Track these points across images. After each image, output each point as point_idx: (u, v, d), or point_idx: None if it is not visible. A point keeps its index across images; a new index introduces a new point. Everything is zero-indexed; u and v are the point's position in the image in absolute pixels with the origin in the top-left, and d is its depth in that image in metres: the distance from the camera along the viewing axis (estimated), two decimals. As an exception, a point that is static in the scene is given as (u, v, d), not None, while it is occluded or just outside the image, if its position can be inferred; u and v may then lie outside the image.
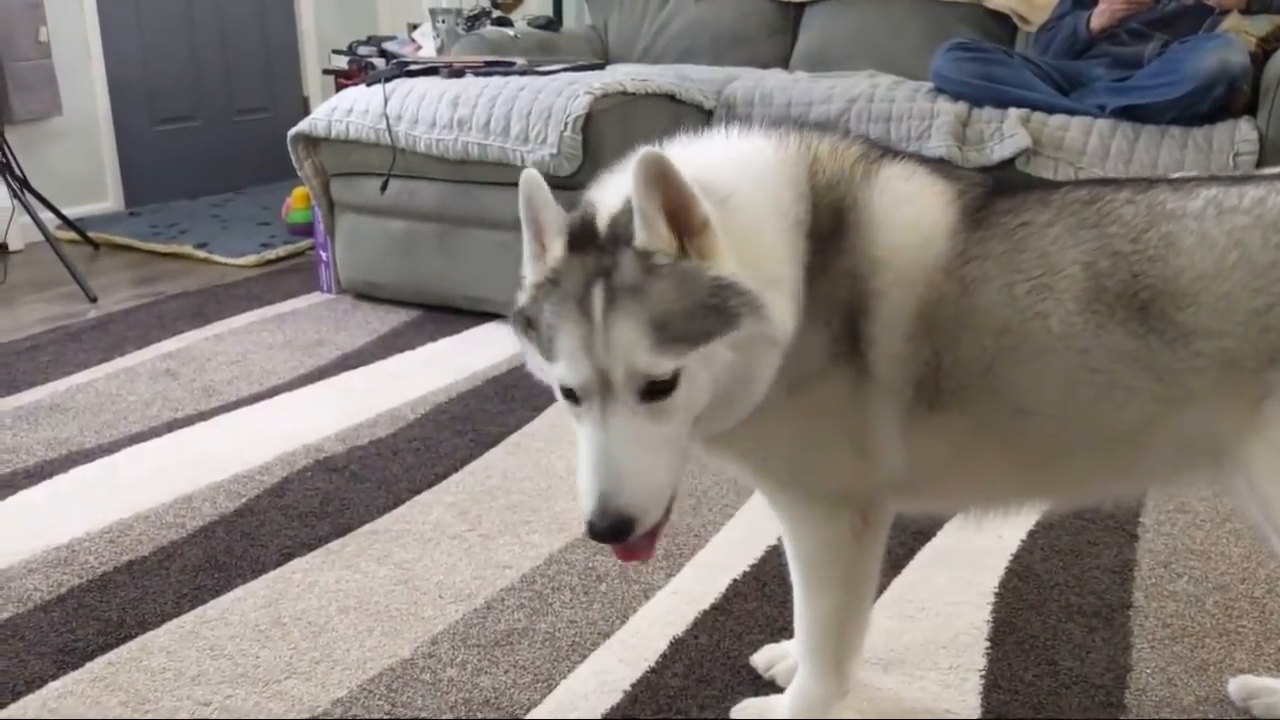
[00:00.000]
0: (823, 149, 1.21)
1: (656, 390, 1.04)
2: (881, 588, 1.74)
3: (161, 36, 4.88)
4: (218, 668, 1.58)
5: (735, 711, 1.45)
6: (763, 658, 1.55)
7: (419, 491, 2.12)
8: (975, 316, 1.14)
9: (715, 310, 1.05)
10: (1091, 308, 1.11)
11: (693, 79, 3.36)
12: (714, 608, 1.71)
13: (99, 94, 4.62)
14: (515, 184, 1.14)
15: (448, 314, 3.22)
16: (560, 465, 2.23)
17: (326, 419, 2.46)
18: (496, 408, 2.53)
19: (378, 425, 2.43)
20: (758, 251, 1.10)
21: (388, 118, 3.17)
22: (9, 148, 3.74)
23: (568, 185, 2.62)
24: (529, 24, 4.31)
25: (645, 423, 1.05)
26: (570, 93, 2.97)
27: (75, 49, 4.50)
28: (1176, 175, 1.24)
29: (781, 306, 1.09)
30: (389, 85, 3.26)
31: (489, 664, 1.58)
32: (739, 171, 1.17)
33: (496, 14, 4.58)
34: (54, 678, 1.56)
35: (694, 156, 1.16)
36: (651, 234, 1.05)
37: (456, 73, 3.30)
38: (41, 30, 4.28)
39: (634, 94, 3.08)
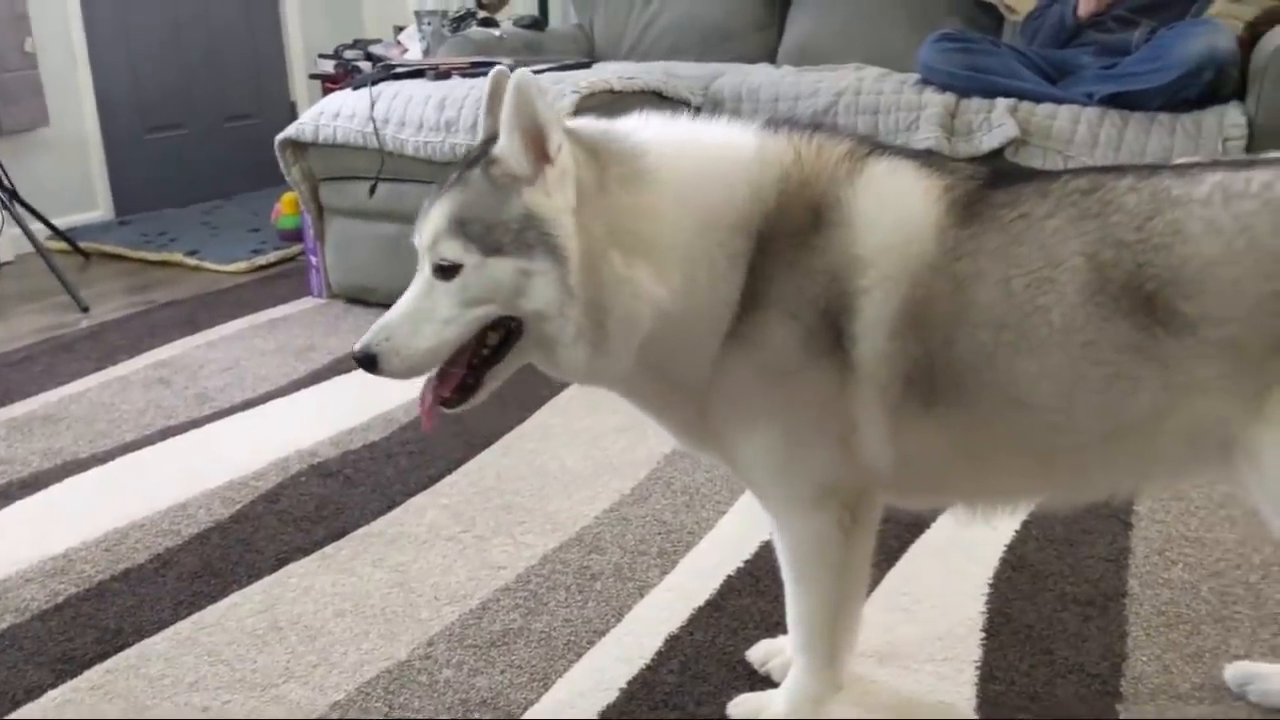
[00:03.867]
0: (808, 148, 1.22)
1: (445, 269, 1.17)
2: (875, 581, 1.74)
3: (149, 45, 4.87)
4: (215, 673, 1.58)
5: (731, 707, 1.46)
6: (758, 653, 1.56)
7: (413, 494, 2.13)
8: (970, 313, 1.14)
9: (514, 234, 1.15)
10: (1095, 300, 1.10)
11: (679, 75, 3.36)
12: (709, 604, 1.71)
13: (86, 104, 4.60)
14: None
15: (440, 316, 3.22)
16: (553, 465, 2.23)
17: (319, 424, 2.46)
18: (488, 408, 2.47)
19: (370, 429, 2.43)
20: (643, 220, 1.17)
21: (375, 121, 3.16)
22: (-3, 158, 3.73)
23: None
24: (514, 24, 4.31)
25: (426, 293, 1.19)
26: (556, 92, 2.97)
27: (62, 59, 4.48)
28: (1180, 161, 1.24)
29: (644, 277, 1.16)
30: (375, 88, 3.25)
31: (485, 664, 1.58)
32: (684, 154, 1.21)
33: (482, 15, 4.57)
34: (53, 686, 1.56)
35: (651, 129, 1.23)
36: (504, 144, 1.16)
37: (443, 75, 3.30)
38: (28, 41, 4.27)
39: (620, 92, 3.07)
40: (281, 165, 3.35)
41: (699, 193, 1.19)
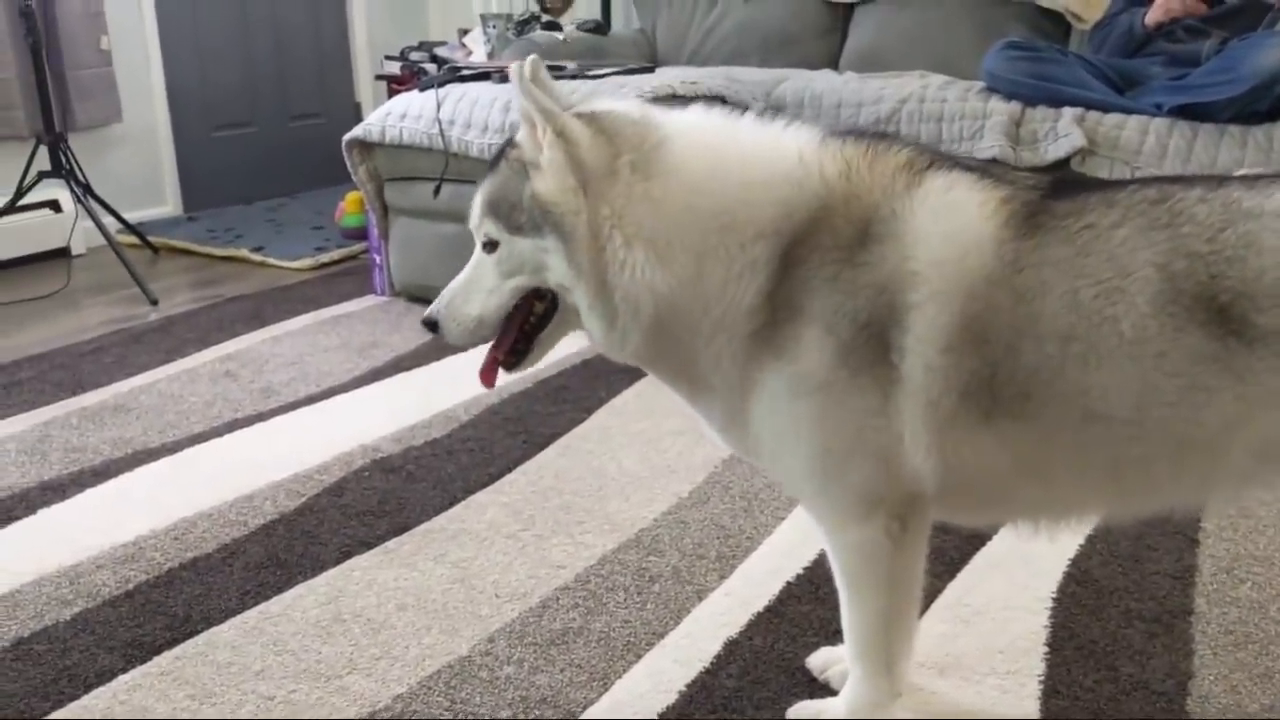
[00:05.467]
0: (861, 161, 1.21)
1: (488, 245, 1.30)
2: (936, 591, 1.73)
3: (219, 44, 4.97)
4: (281, 663, 1.61)
5: (791, 713, 1.46)
6: (818, 660, 1.55)
7: (473, 491, 2.15)
8: (1036, 325, 1.13)
9: (529, 214, 1.24)
10: (1167, 310, 1.09)
11: (742, 80, 3.36)
12: (768, 610, 1.71)
13: (158, 101, 4.72)
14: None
15: (499, 316, 3.25)
16: (611, 467, 2.24)
17: (382, 420, 2.50)
18: (548, 409, 2.55)
19: (432, 426, 2.46)
20: (648, 208, 1.20)
21: (440, 123, 3.21)
22: (72, 154, 3.83)
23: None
24: (578, 28, 4.34)
25: (477, 266, 1.31)
26: (619, 96, 2.98)
27: (135, 57, 4.60)
28: (1241, 172, 1.22)
29: (642, 261, 1.20)
30: (441, 90, 3.29)
31: (545, 662, 1.60)
32: (710, 153, 1.23)
33: (545, 18, 4.61)
34: (123, 671, 1.60)
35: (687, 123, 1.26)
36: (524, 131, 1.24)
37: (507, 77, 3.33)
38: (103, 39, 4.38)
39: (684, 96, 3.08)
40: (348, 164, 3.41)
41: (718, 194, 1.21)
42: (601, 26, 4.44)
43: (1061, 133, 2.81)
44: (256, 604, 1.76)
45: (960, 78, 3.21)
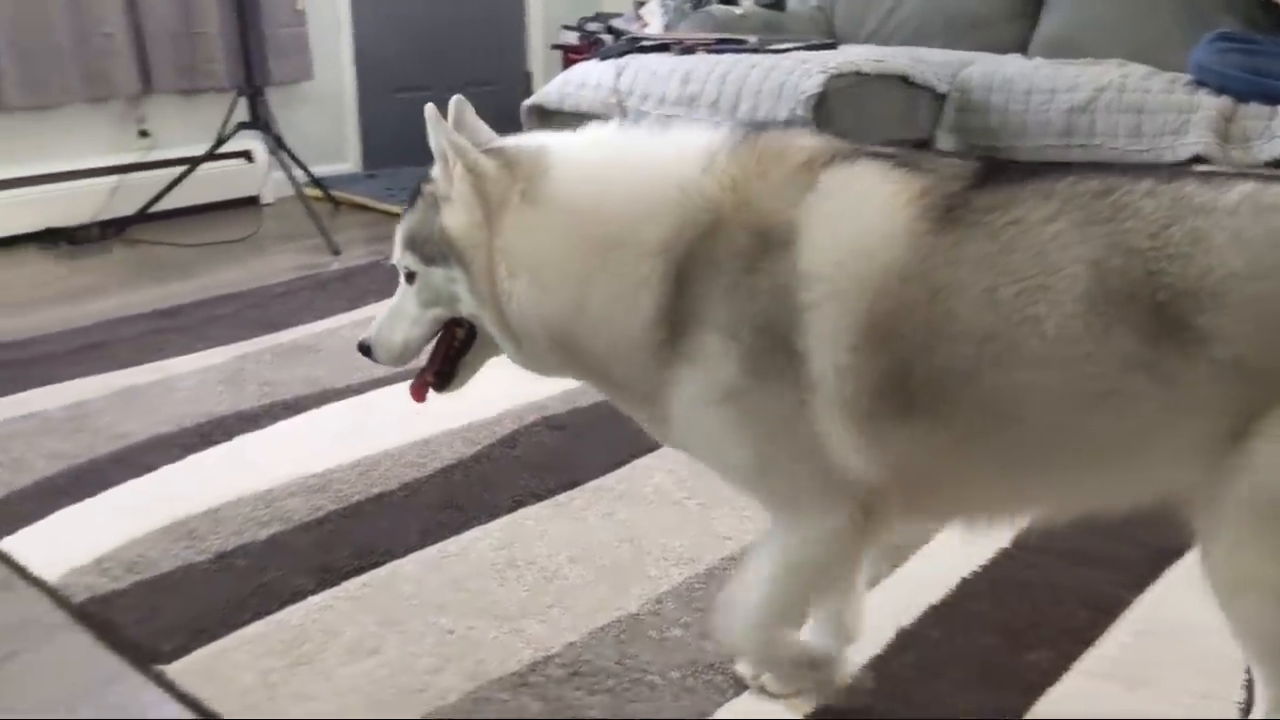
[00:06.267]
0: (753, 166, 1.19)
1: (409, 276, 1.34)
2: (1123, 604, 1.66)
3: (403, 10, 5.14)
4: (459, 600, 1.67)
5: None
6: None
7: (639, 456, 2.17)
8: (952, 324, 1.08)
9: (438, 246, 1.28)
10: (1095, 309, 1.03)
11: (928, 61, 3.28)
12: (944, 603, 1.67)
13: (345, 62, 4.91)
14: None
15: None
16: (778, 443, 2.23)
17: (548, 379, 2.54)
18: (714, 381, 2.55)
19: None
20: (526, 237, 1.24)
21: (619, 92, 3.24)
22: (268, 107, 4.03)
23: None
24: (755, 2, 4.31)
25: (402, 296, 1.36)
26: (803, 71, 2.96)
27: (327, 19, 4.79)
28: (1203, 169, 1.14)
29: (522, 290, 1.23)
30: (620, 60, 3.33)
31: (713, 629, 1.60)
32: (591, 178, 1.24)
33: (723, -8, 4.59)
34: (314, 592, 1.69)
35: (573, 149, 1.28)
36: (437, 167, 1.28)
37: (688, 49, 3.34)
38: (299, 0, 4.59)
39: (868, 74, 3.03)
40: (525, 130, 3.47)
41: (598, 217, 1.21)
42: (779, 2, 4.40)
43: (1277, 131, 2.65)
44: (435, 542, 1.83)
45: (1161, 69, 3.06)
